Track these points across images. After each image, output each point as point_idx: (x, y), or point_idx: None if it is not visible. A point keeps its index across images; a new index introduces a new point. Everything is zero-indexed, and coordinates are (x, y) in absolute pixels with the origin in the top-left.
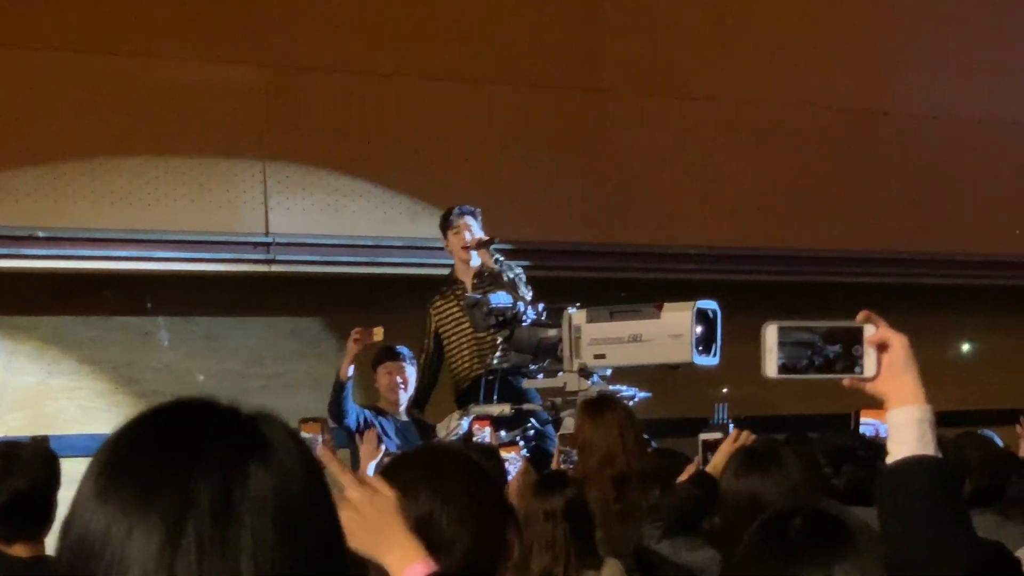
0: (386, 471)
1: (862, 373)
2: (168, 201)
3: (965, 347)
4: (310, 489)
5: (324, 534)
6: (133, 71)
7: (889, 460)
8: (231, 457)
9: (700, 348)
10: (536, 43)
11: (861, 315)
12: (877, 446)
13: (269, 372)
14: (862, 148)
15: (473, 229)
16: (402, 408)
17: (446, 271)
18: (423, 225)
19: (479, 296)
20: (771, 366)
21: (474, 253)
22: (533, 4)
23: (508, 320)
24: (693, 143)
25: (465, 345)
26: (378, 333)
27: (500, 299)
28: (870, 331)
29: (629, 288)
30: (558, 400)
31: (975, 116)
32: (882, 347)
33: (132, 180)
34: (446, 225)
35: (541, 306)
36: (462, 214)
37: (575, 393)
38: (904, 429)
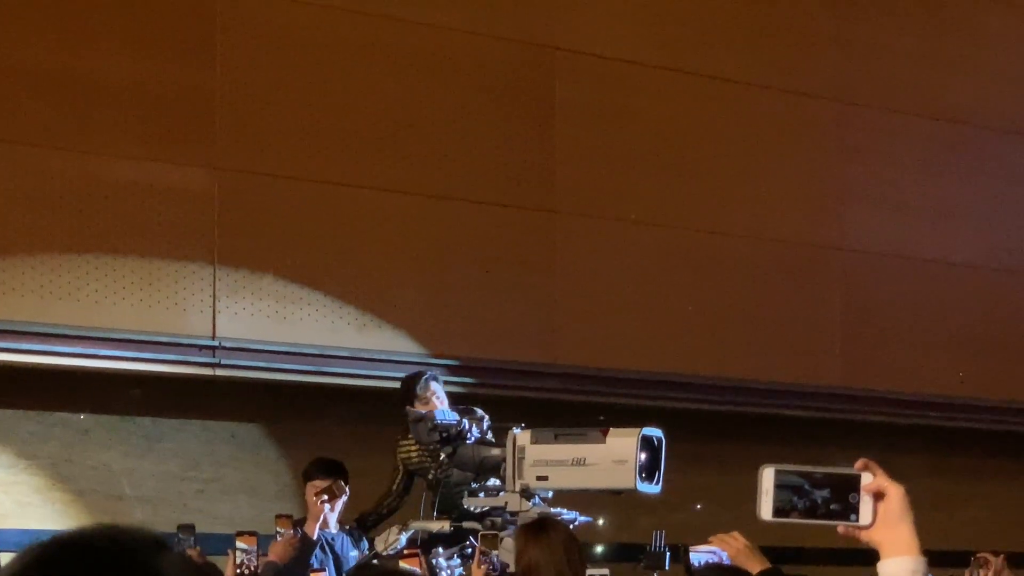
0: None
1: (857, 521)
2: (115, 300)
3: (907, 487)
4: None
5: None
6: (84, 168)
7: None
8: None
9: (644, 475)
10: (489, 161)
11: (859, 463)
12: None
13: (207, 476)
14: (808, 282)
15: (439, 393)
16: (331, 523)
17: (390, 384)
18: (369, 337)
19: (423, 412)
20: (766, 509)
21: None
22: (487, 122)
23: (452, 437)
24: (641, 268)
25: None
26: (339, 488)
27: (445, 415)
28: (867, 479)
29: (572, 410)
30: (498, 520)
31: (923, 256)
32: (878, 496)
33: (80, 277)
34: (411, 398)
35: (486, 424)
36: (420, 383)
37: (516, 513)
38: None
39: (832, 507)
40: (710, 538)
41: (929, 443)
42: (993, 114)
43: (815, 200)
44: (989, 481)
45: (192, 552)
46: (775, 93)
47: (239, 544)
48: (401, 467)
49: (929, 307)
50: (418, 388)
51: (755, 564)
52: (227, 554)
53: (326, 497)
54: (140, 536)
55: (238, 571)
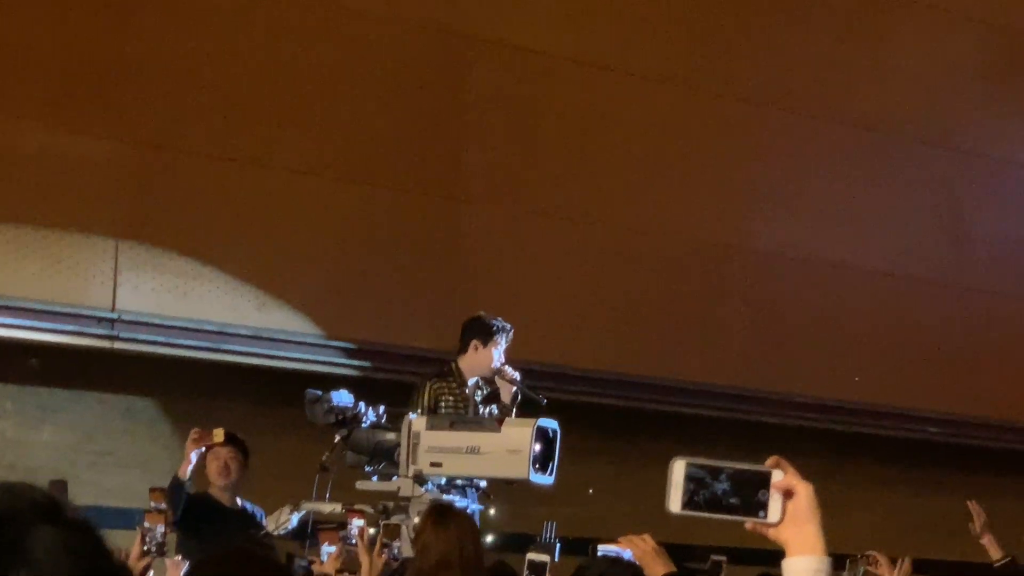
0: (195, 568)
1: (766, 518)
2: (16, 267)
3: None
4: None
5: None
6: None
7: None
8: None
9: (537, 466)
10: (399, 146)
11: (771, 460)
12: None
13: (101, 449)
14: (711, 281)
15: (502, 348)
16: (227, 493)
17: (288, 364)
18: (269, 316)
19: (320, 392)
20: (675, 501)
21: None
22: (399, 107)
23: (348, 419)
24: (545, 260)
25: None
26: (218, 435)
27: (341, 397)
28: (778, 476)
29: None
30: (390, 504)
31: (826, 259)
32: (788, 494)
33: None
34: (487, 335)
35: (382, 409)
36: (505, 331)
37: (408, 499)
38: None
39: (741, 503)
40: (620, 538)
41: (826, 447)
42: (899, 121)
43: (722, 200)
44: (884, 487)
45: None
46: (687, 91)
47: (146, 523)
48: (427, 403)
49: (830, 311)
50: (497, 334)
51: (659, 567)
52: (133, 529)
53: (196, 437)
54: (24, 500)
55: (145, 548)
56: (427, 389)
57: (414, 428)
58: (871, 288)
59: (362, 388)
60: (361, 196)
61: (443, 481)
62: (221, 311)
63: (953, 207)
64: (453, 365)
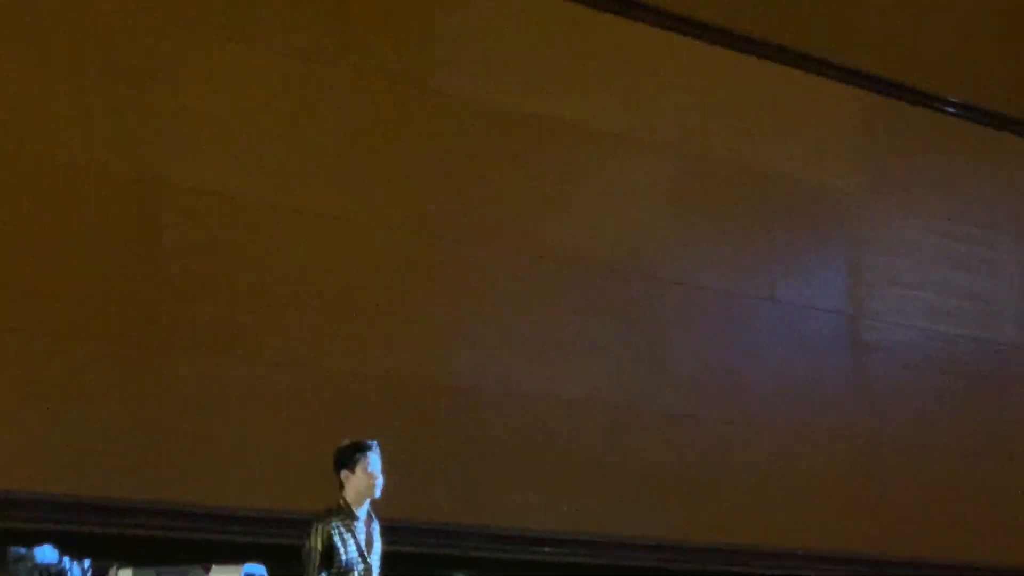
0: None
1: None
2: None
3: None
4: None
5: None
6: None
7: None
8: None
9: None
10: (99, 298)
11: None
12: None
13: None
14: (414, 419)
15: (376, 466)
16: None
17: None
18: None
19: (23, 550)
20: None
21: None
22: (97, 260)
23: None
24: (253, 407)
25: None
26: None
27: (45, 554)
28: None
29: (182, 549)
30: None
31: (527, 392)
32: None
33: None
34: (349, 459)
35: (87, 563)
36: (366, 448)
37: None
38: None
39: None
40: None
41: None
42: (592, 251)
43: (423, 337)
44: None
45: None
46: (380, 229)
47: None
48: (319, 547)
49: (536, 442)
50: (357, 454)
51: None
52: None
53: None
54: None
55: None
56: (317, 531)
57: None
58: (575, 417)
59: (71, 543)
60: (60, 350)
61: None
62: None
63: (650, 334)
64: (341, 502)
